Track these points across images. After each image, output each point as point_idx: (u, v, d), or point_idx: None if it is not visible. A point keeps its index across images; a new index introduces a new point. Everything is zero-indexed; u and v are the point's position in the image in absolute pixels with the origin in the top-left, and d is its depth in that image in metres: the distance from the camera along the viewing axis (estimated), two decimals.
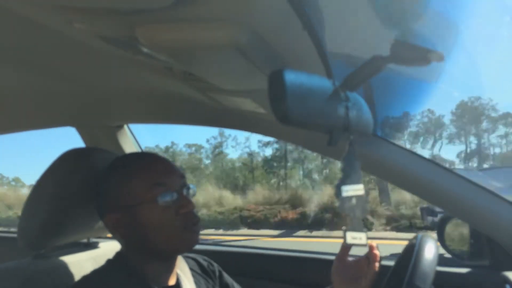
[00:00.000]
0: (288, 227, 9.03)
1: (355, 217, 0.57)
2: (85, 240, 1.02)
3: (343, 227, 0.60)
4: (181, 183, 0.78)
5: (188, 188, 0.79)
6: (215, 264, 0.96)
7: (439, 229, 1.12)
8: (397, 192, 9.90)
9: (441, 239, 1.10)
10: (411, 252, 0.72)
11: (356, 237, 0.59)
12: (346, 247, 0.84)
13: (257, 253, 1.38)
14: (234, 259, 1.36)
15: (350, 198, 0.56)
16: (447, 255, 1.11)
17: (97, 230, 0.94)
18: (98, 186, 0.80)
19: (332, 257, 1.25)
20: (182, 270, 0.85)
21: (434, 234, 1.02)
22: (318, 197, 9.86)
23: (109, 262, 0.79)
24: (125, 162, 0.81)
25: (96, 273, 0.75)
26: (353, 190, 0.56)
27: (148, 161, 0.79)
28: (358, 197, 0.56)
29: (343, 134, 0.55)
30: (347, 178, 0.56)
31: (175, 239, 0.74)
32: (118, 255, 0.80)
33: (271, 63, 0.58)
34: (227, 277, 0.95)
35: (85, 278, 0.74)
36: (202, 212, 10.15)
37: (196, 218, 0.77)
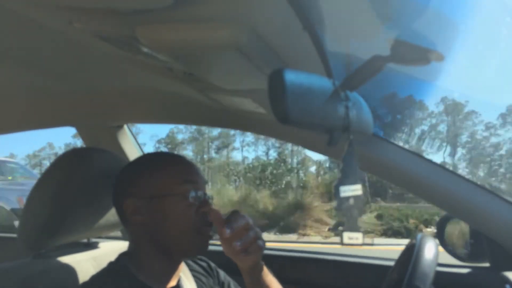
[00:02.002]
0: None
1: (352, 217, 0.57)
2: (85, 240, 1.02)
3: (340, 228, 0.59)
4: (204, 187, 0.81)
5: (208, 196, 0.80)
6: (212, 264, 0.97)
7: (439, 229, 1.11)
8: None
9: (441, 239, 1.10)
10: (411, 252, 0.72)
11: (353, 237, 0.59)
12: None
13: None
14: None
15: (347, 198, 0.56)
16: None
17: (97, 230, 0.94)
18: (124, 172, 0.81)
19: (333, 258, 1.25)
20: (184, 273, 0.85)
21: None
22: None
23: (110, 265, 0.78)
24: (158, 156, 0.86)
25: (95, 280, 0.75)
26: (351, 190, 0.56)
27: (180, 159, 0.83)
28: (355, 197, 0.56)
29: (343, 134, 0.55)
30: (346, 178, 0.56)
31: (188, 239, 0.76)
32: (120, 256, 0.79)
33: (271, 63, 0.58)
34: (223, 276, 0.96)
35: (84, 285, 0.74)
36: None
37: (211, 224, 0.78)
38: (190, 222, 0.75)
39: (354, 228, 0.58)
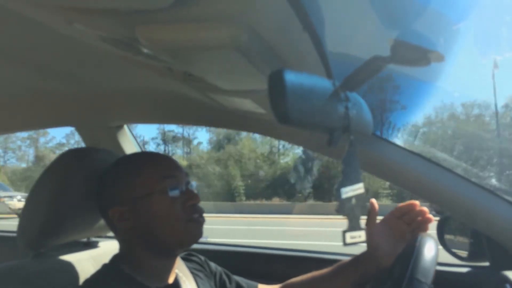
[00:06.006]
0: None
1: (354, 217, 0.57)
2: (85, 240, 1.02)
3: (342, 229, 0.59)
4: (186, 179, 0.80)
5: (192, 185, 0.81)
6: (202, 256, 0.97)
7: (439, 229, 1.11)
8: None
9: (441, 239, 1.10)
10: (411, 251, 0.72)
11: (355, 236, 0.58)
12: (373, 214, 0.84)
13: (257, 253, 1.38)
14: (234, 259, 1.36)
15: (349, 199, 0.56)
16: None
17: (97, 230, 0.94)
18: (102, 181, 0.80)
19: (333, 257, 1.25)
20: (181, 270, 0.85)
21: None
22: None
23: (104, 267, 0.78)
24: (133, 158, 0.85)
25: (90, 283, 0.75)
26: (353, 190, 0.56)
27: (156, 156, 0.82)
28: (357, 196, 0.56)
29: (343, 134, 0.55)
30: (347, 179, 0.56)
31: (180, 231, 0.76)
32: (114, 258, 0.79)
33: (271, 63, 0.58)
34: (214, 266, 0.97)
35: None
36: None
37: (201, 210, 0.79)
38: (179, 217, 0.75)
39: (357, 227, 0.58)
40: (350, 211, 0.57)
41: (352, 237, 0.58)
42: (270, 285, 1.00)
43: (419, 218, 0.80)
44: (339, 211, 0.56)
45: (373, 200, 0.84)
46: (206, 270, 0.94)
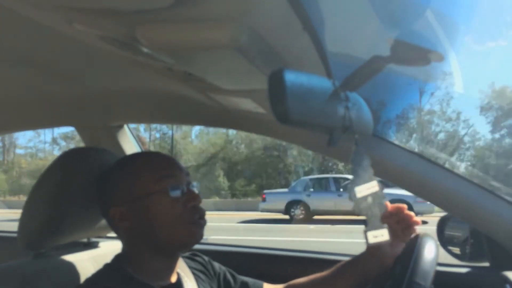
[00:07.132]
0: None
1: (373, 215, 0.56)
2: (85, 240, 1.02)
3: (364, 229, 0.58)
4: (187, 179, 0.80)
5: (193, 185, 0.80)
6: (205, 257, 0.97)
7: (439, 229, 1.11)
8: None
9: (441, 239, 1.10)
10: (411, 251, 0.72)
11: (378, 235, 0.57)
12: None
13: (257, 253, 1.38)
14: (234, 259, 1.36)
15: (365, 197, 0.55)
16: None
17: (97, 230, 0.94)
18: (103, 182, 0.80)
19: (334, 257, 1.25)
20: (183, 270, 0.85)
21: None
22: None
23: (106, 266, 0.78)
24: (133, 158, 0.85)
25: (91, 282, 0.75)
26: (367, 188, 0.55)
27: (156, 156, 0.81)
28: (373, 195, 0.56)
29: (343, 134, 0.55)
30: (358, 178, 0.56)
31: (182, 232, 0.75)
32: (116, 258, 0.79)
33: (271, 63, 0.58)
34: (218, 266, 0.96)
35: None
36: None
37: (202, 211, 0.78)
38: (180, 217, 0.75)
39: (377, 226, 0.57)
40: (368, 210, 0.56)
41: (374, 236, 0.58)
42: (274, 285, 1.00)
43: (407, 221, 0.81)
44: (355, 211, 0.56)
45: (387, 202, 0.84)
46: (208, 271, 0.93)
